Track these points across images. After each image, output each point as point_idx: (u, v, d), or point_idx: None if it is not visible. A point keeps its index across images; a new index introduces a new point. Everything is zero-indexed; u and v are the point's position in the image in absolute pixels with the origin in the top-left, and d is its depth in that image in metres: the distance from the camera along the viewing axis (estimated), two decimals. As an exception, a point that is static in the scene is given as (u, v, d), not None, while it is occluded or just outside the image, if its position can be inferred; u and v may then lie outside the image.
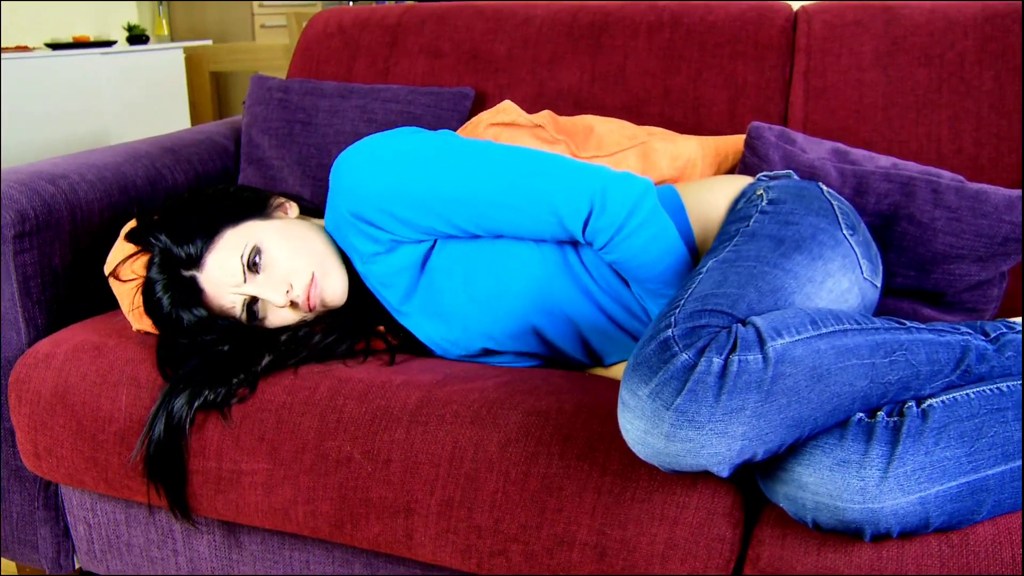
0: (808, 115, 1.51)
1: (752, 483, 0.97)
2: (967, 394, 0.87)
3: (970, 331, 0.99)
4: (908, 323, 0.95)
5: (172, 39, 4.69)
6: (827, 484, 0.83)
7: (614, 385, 1.09)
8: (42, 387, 1.20)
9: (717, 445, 0.80)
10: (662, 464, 0.84)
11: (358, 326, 1.20)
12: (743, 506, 0.94)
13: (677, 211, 1.19)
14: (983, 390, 0.87)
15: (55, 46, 3.73)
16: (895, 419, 0.85)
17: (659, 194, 1.21)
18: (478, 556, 1.02)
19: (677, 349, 0.83)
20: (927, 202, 1.21)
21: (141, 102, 3.87)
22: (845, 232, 1.08)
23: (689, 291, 0.93)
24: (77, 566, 1.38)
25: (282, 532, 1.19)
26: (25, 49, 3.62)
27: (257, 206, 1.22)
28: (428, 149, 1.11)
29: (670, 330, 0.85)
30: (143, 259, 1.24)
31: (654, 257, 1.10)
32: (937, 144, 1.43)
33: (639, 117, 1.58)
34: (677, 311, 0.89)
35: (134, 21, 4.59)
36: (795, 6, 1.63)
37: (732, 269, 0.96)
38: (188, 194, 1.23)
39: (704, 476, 0.94)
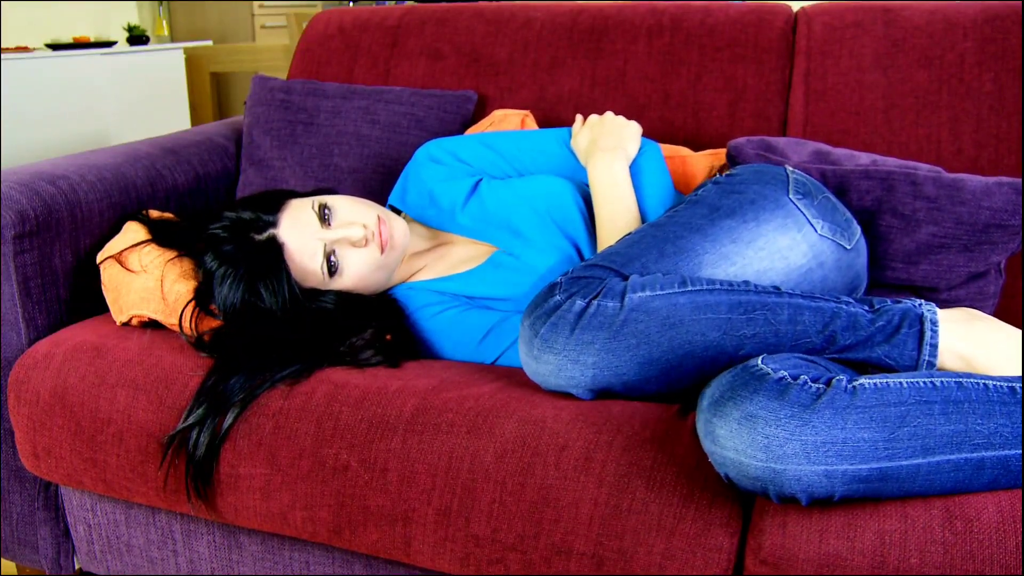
0: (808, 118, 1.51)
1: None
2: (900, 382, 0.86)
3: (851, 300, 1.01)
4: (786, 290, 1.02)
5: (172, 40, 4.69)
6: (734, 438, 0.84)
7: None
8: (41, 388, 1.20)
9: (572, 369, 0.99)
10: (538, 381, 1.03)
11: (387, 314, 1.28)
12: (740, 515, 0.94)
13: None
14: (916, 381, 0.87)
15: (55, 46, 3.74)
16: (818, 387, 0.84)
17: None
18: (476, 563, 1.01)
19: (557, 292, 1.01)
20: (907, 195, 1.24)
21: (141, 103, 3.87)
22: (792, 196, 1.16)
23: (607, 249, 1.10)
24: (77, 566, 1.38)
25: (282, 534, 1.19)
26: (25, 49, 3.62)
27: (301, 194, 1.33)
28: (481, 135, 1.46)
29: (563, 277, 1.04)
30: (152, 251, 1.27)
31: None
32: (937, 146, 1.43)
33: (640, 122, 1.58)
34: (581, 263, 1.07)
35: (134, 22, 4.59)
36: (795, 7, 1.62)
37: (652, 231, 1.11)
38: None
39: (700, 487, 0.93)
